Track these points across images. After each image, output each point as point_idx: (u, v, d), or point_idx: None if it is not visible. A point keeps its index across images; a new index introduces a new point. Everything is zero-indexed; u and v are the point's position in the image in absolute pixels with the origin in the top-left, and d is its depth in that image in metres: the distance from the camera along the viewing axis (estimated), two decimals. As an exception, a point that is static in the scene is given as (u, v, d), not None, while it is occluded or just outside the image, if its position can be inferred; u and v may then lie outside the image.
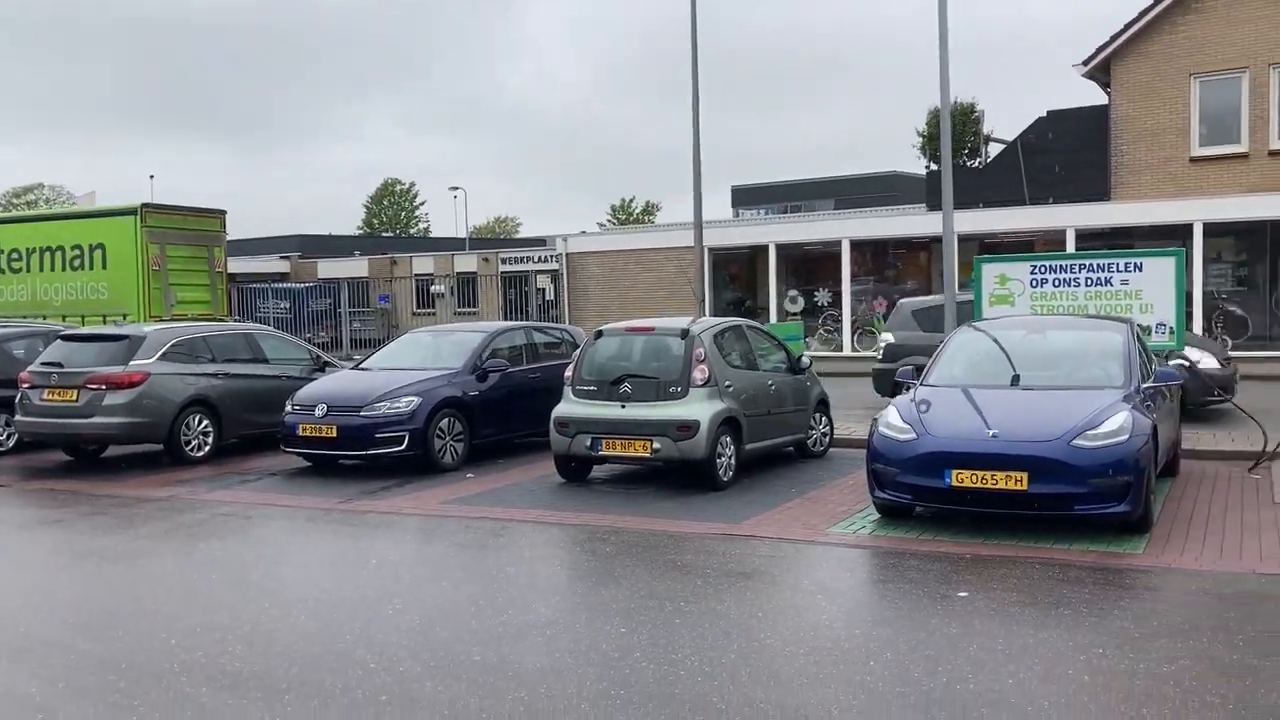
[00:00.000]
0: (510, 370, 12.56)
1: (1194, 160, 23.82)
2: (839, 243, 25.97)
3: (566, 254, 29.52)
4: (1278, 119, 23.10)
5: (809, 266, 28.06)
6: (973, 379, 9.18)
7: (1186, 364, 11.67)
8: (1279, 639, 5.50)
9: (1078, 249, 22.55)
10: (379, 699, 4.83)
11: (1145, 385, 8.75)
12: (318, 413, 11.47)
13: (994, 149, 28.85)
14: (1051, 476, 7.66)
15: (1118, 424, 7.83)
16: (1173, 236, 22.72)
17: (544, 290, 30.80)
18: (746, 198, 71.30)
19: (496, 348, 12.72)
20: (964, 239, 24.55)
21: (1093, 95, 27.25)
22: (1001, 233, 24.69)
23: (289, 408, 11.81)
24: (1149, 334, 12.11)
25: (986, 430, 8.01)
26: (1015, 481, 7.72)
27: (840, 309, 26.11)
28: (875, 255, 26.76)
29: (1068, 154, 26.05)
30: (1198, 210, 22.20)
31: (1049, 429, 7.87)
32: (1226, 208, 22.09)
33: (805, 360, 12.13)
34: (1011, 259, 13.31)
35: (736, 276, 29.52)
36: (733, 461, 10.35)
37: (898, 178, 55.73)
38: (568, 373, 10.85)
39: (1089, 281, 12.41)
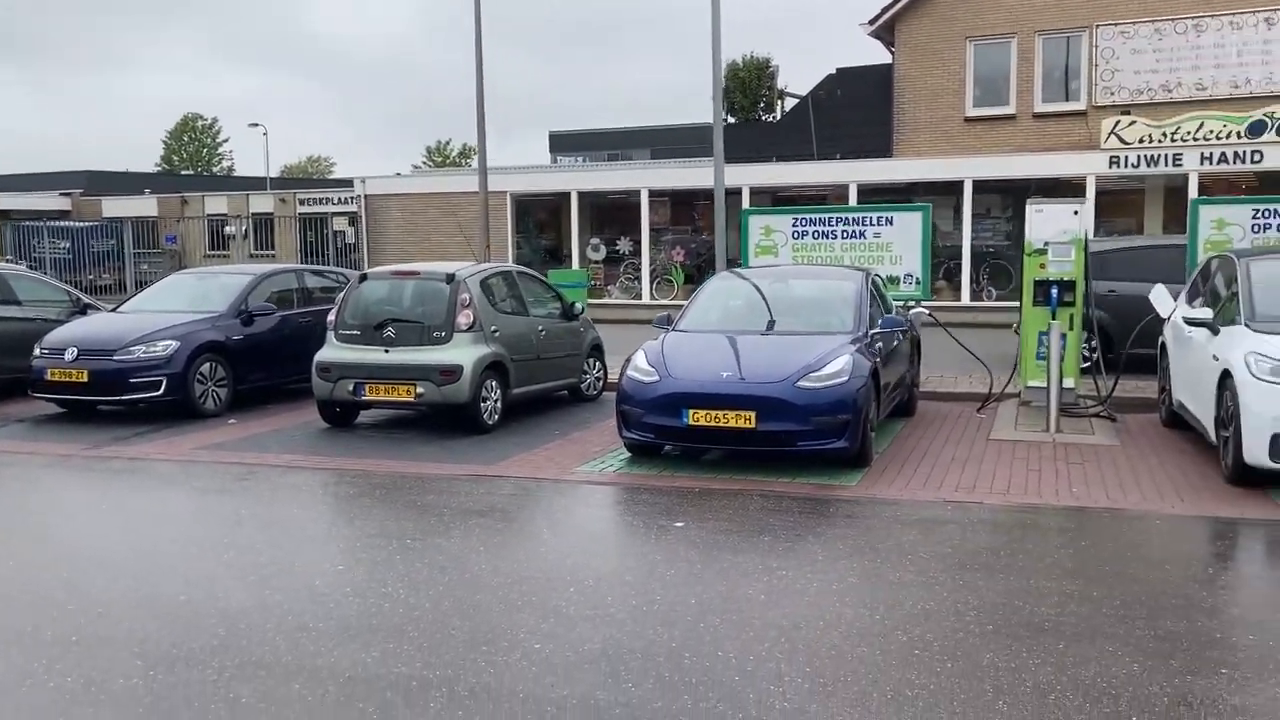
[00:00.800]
0: (279, 314, 12.36)
1: (968, 120, 25.26)
2: (638, 192, 26.36)
3: (365, 196, 28.91)
4: (1042, 84, 24.71)
5: (612, 215, 28.40)
6: (720, 324, 9.66)
7: (928, 313, 12.51)
8: (943, 558, 6.09)
9: (859, 203, 23.65)
10: (69, 639, 4.84)
11: (873, 331, 9.39)
12: (67, 356, 11.04)
13: (789, 104, 29.83)
14: (777, 415, 8.19)
15: (839, 367, 8.41)
16: (948, 193, 24.14)
17: (343, 233, 30.11)
18: (564, 144, 70.99)
19: (265, 291, 12.47)
20: (758, 191, 25.47)
21: (882, 54, 28.40)
22: (794, 186, 25.61)
23: (37, 351, 11.32)
24: (897, 284, 12.95)
25: (722, 373, 8.47)
26: (745, 420, 8.21)
27: (640, 258, 26.58)
28: (675, 205, 27.29)
29: (855, 111, 27.16)
30: (968, 168, 23.58)
31: (777, 372, 8.38)
32: (994, 166, 23.52)
33: (578, 307, 12.40)
34: (775, 211, 13.95)
35: (545, 224, 29.62)
36: (498, 405, 10.55)
37: (709, 130, 56.59)
38: (330, 316, 10.79)
39: (845, 234, 13.14)
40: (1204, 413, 8.63)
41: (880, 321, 9.60)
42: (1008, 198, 24.82)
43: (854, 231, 13.10)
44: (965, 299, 23.49)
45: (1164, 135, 22.07)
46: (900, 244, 12.93)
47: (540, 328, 11.47)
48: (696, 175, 26.53)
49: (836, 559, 6.09)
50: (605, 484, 8.24)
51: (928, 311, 12.46)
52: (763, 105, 30.70)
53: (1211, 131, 21.70)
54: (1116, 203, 24.24)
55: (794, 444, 8.27)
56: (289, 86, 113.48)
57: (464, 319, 10.28)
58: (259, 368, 12.03)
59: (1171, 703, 4.13)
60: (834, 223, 13.20)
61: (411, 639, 4.82)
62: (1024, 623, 5.01)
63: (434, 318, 10.36)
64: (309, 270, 14.23)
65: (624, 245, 27.23)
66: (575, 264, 26.71)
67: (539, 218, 29.47)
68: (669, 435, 8.59)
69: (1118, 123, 22.46)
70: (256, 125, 70.85)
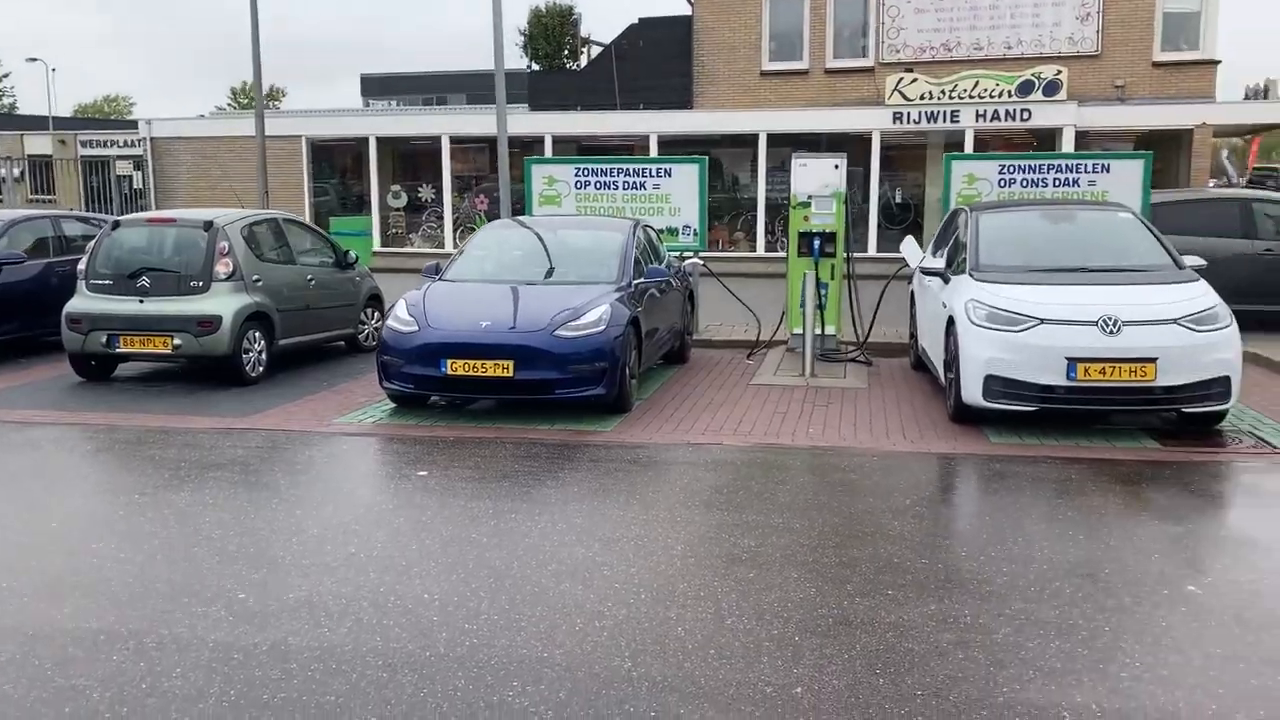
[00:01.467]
0: (31, 263, 11.69)
1: (764, 74, 25.85)
2: (439, 139, 25.92)
3: (151, 139, 27.43)
4: (833, 40, 25.50)
5: (415, 162, 27.85)
6: (488, 274, 9.71)
7: (703, 264, 12.88)
8: (669, 497, 6.37)
9: (660, 154, 23.94)
10: None
11: (638, 281, 9.61)
12: None
13: (595, 52, 29.80)
14: (535, 364, 8.32)
15: (596, 316, 8.59)
16: (745, 145, 24.73)
17: (130, 178, 28.47)
18: (378, 88, 68.83)
19: (17, 238, 11.76)
20: (561, 140, 25.43)
21: (683, 5, 28.64)
22: (596, 136, 25.68)
23: None
24: (676, 235, 13.26)
25: (481, 323, 8.53)
26: (503, 369, 8.31)
27: (442, 206, 26.21)
28: (478, 153, 26.97)
29: (657, 61, 27.36)
30: (763, 121, 24.17)
31: (536, 321, 8.50)
32: (787, 120, 24.19)
33: (352, 256, 12.20)
34: (558, 161, 14.00)
35: (347, 170, 28.76)
36: (263, 357, 10.32)
37: (522, 76, 55.97)
38: (80, 265, 10.28)
39: (626, 185, 13.33)
40: (937, 356, 9.24)
41: (646, 272, 9.83)
42: (803, 150, 25.58)
43: (635, 183, 13.30)
44: (760, 250, 24.21)
45: (943, 93, 23.17)
46: (679, 195, 13.21)
47: (310, 277, 11.23)
48: (514, 123, 26.27)
49: (568, 501, 6.28)
50: (358, 434, 8.21)
51: (702, 262, 12.81)
52: (567, 53, 30.54)
53: (986, 90, 22.92)
54: (903, 157, 25.33)
55: (552, 391, 8.42)
56: (81, 21, 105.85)
57: (223, 268, 9.98)
58: (9, 318, 11.37)
59: (835, 622, 4.48)
60: (615, 173, 13.36)
61: (110, 594, 4.75)
62: (724, 554, 5.32)
63: (191, 267, 10.01)
64: (72, 217, 13.45)
65: (426, 193, 26.78)
66: (375, 212, 26.15)
67: (341, 164, 28.61)
68: (429, 385, 8.62)
69: (900, 80, 23.43)
70: (35, 60, 65.66)
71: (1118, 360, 7.66)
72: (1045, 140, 23.05)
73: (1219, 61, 23.81)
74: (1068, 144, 22.28)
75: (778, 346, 12.36)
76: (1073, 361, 7.70)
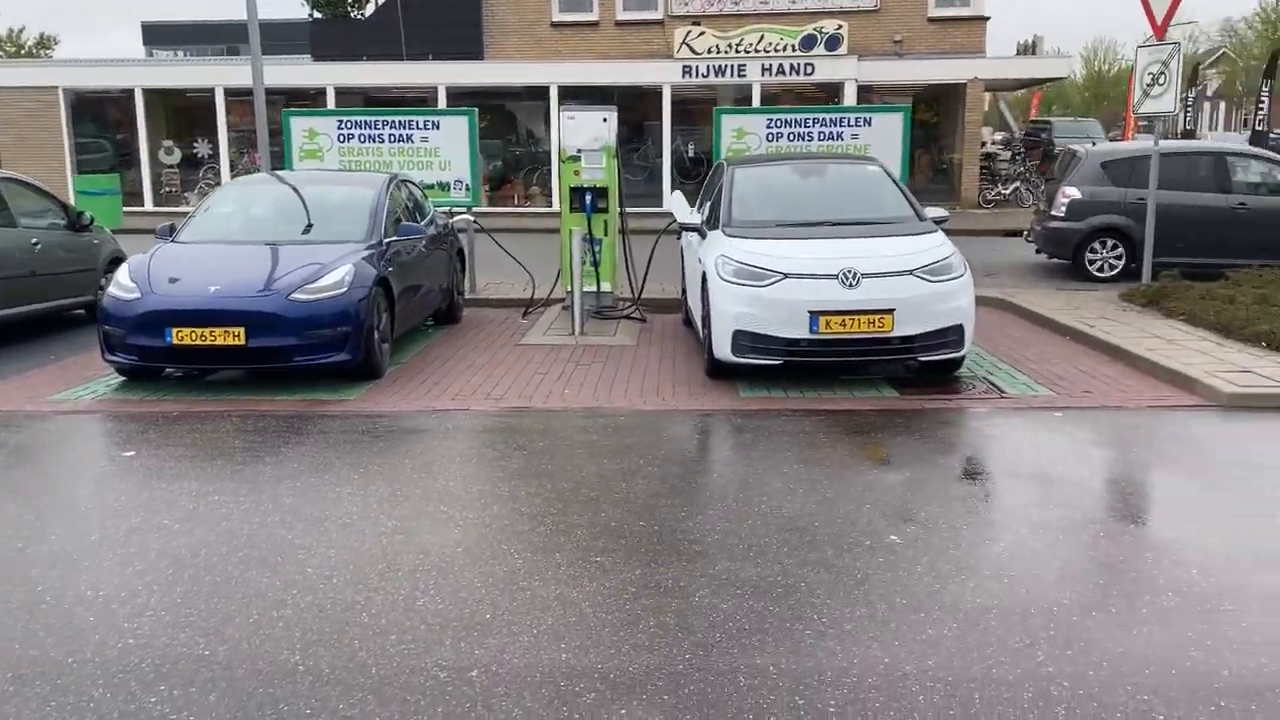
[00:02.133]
0: None
1: (554, 25, 25.43)
2: (213, 91, 24.43)
3: (-117, 90, 24.79)
4: (622, -9, 25.31)
5: (190, 115, 26.21)
6: (226, 234, 9.10)
7: (474, 220, 12.52)
8: (389, 468, 6.09)
9: (449, 105, 23.27)
10: None
11: (389, 240, 9.20)
12: None
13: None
14: (269, 330, 7.84)
15: (337, 278, 8.16)
16: (538, 97, 24.30)
17: None
18: (162, 37, 64.65)
19: None
20: (346, 92, 24.39)
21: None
22: (382, 87, 24.76)
23: None
24: (447, 191, 12.84)
25: (209, 287, 7.97)
26: (234, 337, 7.79)
27: (219, 162, 24.77)
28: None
29: (446, 10, 26.53)
30: (553, 74, 23.79)
31: (271, 284, 8.00)
32: (578, 73, 23.89)
33: (87, 217, 11.28)
34: (320, 113, 13.34)
35: (118, 124, 26.77)
36: (-21, 329, 9.43)
37: (320, 24, 53.58)
38: None
39: (393, 139, 12.81)
40: (697, 312, 9.23)
41: (400, 229, 9.41)
42: (612, 105, 25.32)
43: (401, 135, 12.80)
44: (556, 204, 23.90)
45: (730, 46, 23.34)
46: (448, 149, 12.79)
47: (35, 240, 10.31)
48: (276, 74, 24.96)
49: (282, 479, 5.91)
50: (72, 413, 7.56)
51: (474, 218, 12.45)
52: (352, 1, 29.29)
53: (770, 44, 23.21)
54: (696, 111, 25.43)
55: (291, 359, 7.97)
56: None
57: (-77, 233, 9.02)
58: None
59: (531, 597, 4.33)
60: (380, 126, 12.81)
61: None
62: (436, 529, 5.09)
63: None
64: None
65: (202, 148, 25.27)
66: (145, 168, 24.51)
67: (111, 118, 26.62)
68: (155, 357, 8.02)
69: (688, 33, 23.47)
70: None
71: (857, 312, 7.79)
72: (831, 95, 23.56)
73: (989, 18, 24.83)
74: (850, 98, 22.82)
75: (555, 305, 12.17)
76: (815, 314, 7.79)
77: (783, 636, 3.98)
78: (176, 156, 25.18)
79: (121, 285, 8.14)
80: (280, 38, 54.25)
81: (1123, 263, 13.24)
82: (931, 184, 25.81)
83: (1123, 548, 4.86)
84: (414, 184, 11.17)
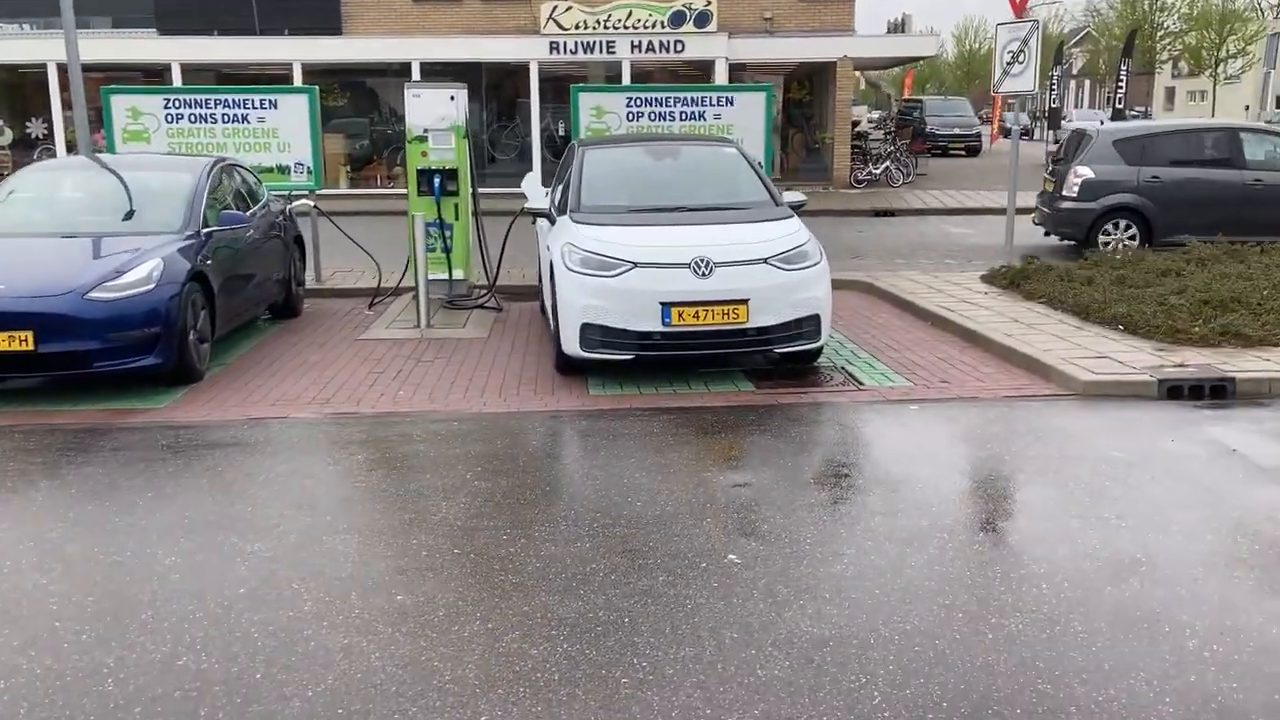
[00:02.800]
0: None
1: (416, 0, 24.46)
2: (45, 66, 22.81)
3: None
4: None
5: (23, 93, 24.52)
6: (19, 226, 8.22)
7: (313, 204, 11.75)
8: (180, 489, 5.46)
9: (305, 83, 22.18)
10: None
11: (209, 230, 8.43)
12: None
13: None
14: (62, 334, 7.04)
15: (143, 273, 7.40)
16: (400, 75, 23.32)
17: None
18: (6, 8, 60.89)
19: None
20: (197, 69, 23.06)
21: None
22: (235, 64, 23.50)
23: None
24: (287, 175, 12.03)
25: (-7, 286, 7.13)
26: (21, 342, 6.98)
27: (54, 143, 23.19)
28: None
29: (303, -17, 25.33)
30: (415, 49, 22.87)
31: (65, 281, 7.19)
32: (441, 48, 23.00)
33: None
34: (145, 91, 12.36)
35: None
36: None
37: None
38: None
39: (226, 119, 11.94)
40: (549, 303, 8.72)
41: (220, 218, 8.65)
42: (460, 82, 24.48)
43: (236, 115, 11.93)
44: (421, 185, 23.02)
45: (598, 22, 22.78)
46: (288, 129, 11.98)
47: None
48: (116, 48, 23.51)
49: (52, 508, 5.21)
50: None
51: (313, 203, 11.69)
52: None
53: (639, 20, 22.73)
54: (566, 89, 24.75)
55: (90, 365, 7.18)
56: None
57: None
58: None
59: (292, 621, 3.79)
60: (213, 105, 11.92)
61: None
62: (181, 567, 4.49)
63: None
64: None
65: (37, 128, 23.64)
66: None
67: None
68: (-69, 365, 7.15)
69: (555, 8, 22.82)
70: None
71: (710, 303, 7.38)
72: (703, 73, 23.20)
73: (856, -4, 24.80)
74: (721, 77, 22.51)
75: (406, 295, 11.51)
76: (667, 306, 7.35)
77: (595, 687, 3.52)
78: (8, 137, 23.53)
79: (-109, 285, 7.24)
80: (136, 10, 51.63)
81: (1136, 243, 13.05)
82: (804, 163, 25.74)
83: (969, 560, 4.55)
84: (244, 168, 10.37)
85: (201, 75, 23.05)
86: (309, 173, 12.05)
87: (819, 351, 8.01)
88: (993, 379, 7.71)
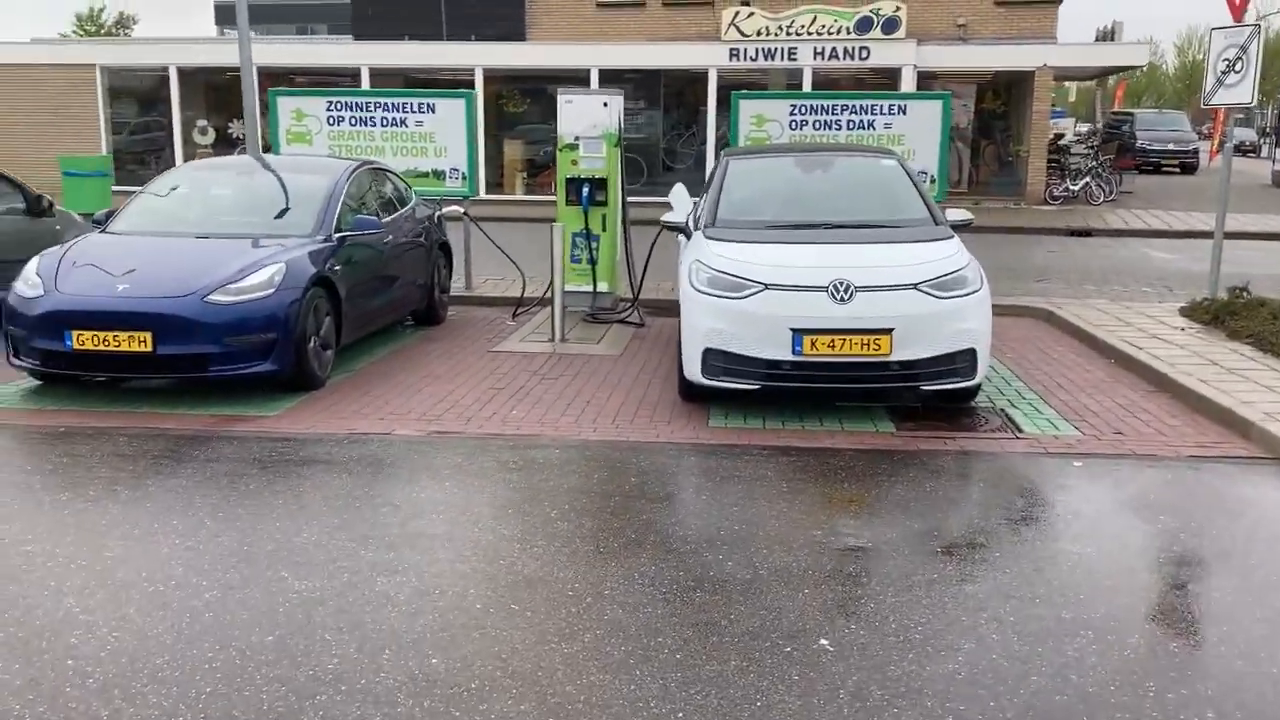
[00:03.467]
0: None
1: (600, 5, 24.39)
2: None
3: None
4: (669, -30, 24.16)
5: (229, 95, 25.68)
6: (160, 225, 8.26)
7: (463, 210, 11.54)
8: (256, 508, 5.17)
9: (486, 89, 22.41)
10: None
11: (341, 234, 8.28)
12: None
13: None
14: (180, 336, 6.96)
15: (264, 277, 7.26)
16: (581, 81, 23.26)
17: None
18: (233, 18, 64.99)
19: None
20: (381, 74, 23.65)
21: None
22: (420, 69, 23.96)
23: None
24: (443, 180, 11.90)
25: (117, 285, 7.11)
26: (140, 343, 6.93)
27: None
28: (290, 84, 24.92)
29: (490, -11, 25.72)
30: (594, 56, 22.72)
31: (187, 283, 7.11)
32: (620, 55, 22.79)
33: (45, 200, 10.56)
34: (308, 93, 12.47)
35: (154, 102, 26.40)
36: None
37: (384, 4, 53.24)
38: None
39: (385, 122, 11.91)
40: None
41: (353, 223, 8.48)
42: (640, 89, 24.29)
43: (394, 119, 11.88)
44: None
45: (780, 28, 22.08)
46: (444, 134, 11.83)
47: (-9, 227, 9.62)
48: (317, 52, 24.39)
49: (121, 523, 5.00)
50: (-41, 424, 6.78)
51: (463, 210, 11.51)
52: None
53: (823, 26, 21.91)
54: (745, 97, 24.23)
55: (206, 369, 7.09)
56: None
57: None
58: None
59: (311, 682, 3.35)
60: (373, 108, 11.90)
61: None
62: (243, 595, 4.13)
63: None
64: None
65: (238, 129, 24.71)
66: (178, 148, 24.06)
67: (156, 96, 26.23)
68: (56, 363, 7.18)
69: (737, 14, 22.25)
70: None
71: (848, 331, 6.66)
72: (889, 82, 22.15)
73: (1060, 1, 23.19)
74: (908, 85, 21.42)
75: (550, 305, 11.19)
76: (799, 333, 6.68)
77: (620, 805, 2.94)
78: (211, 137, 24.70)
79: (27, 280, 7.35)
80: (343, 18, 54.12)
81: None
82: (996, 177, 24.28)
83: (1117, 670, 3.72)
84: (391, 172, 10.25)
85: (390, 79, 23.59)
86: (464, 179, 11.87)
87: (974, 391, 7.15)
88: (1178, 433, 6.67)
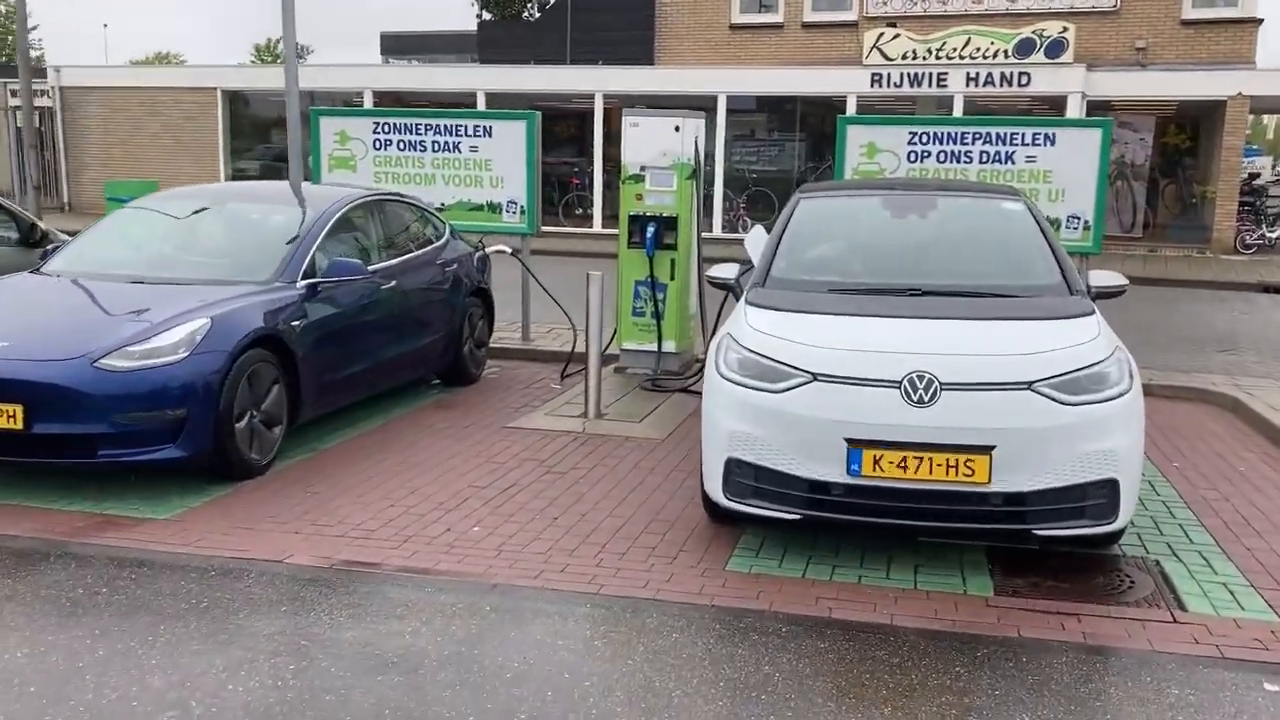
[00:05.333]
0: None
1: (734, 27, 22.64)
2: (362, 94, 23.04)
3: (61, 88, 24.89)
4: (812, -10, 22.21)
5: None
6: (102, 264, 6.86)
7: (509, 250, 9.86)
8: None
9: (604, 117, 20.96)
10: None
11: (311, 281, 6.71)
12: None
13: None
14: (61, 411, 5.46)
15: (179, 336, 5.72)
16: (707, 108, 21.54)
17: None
18: (397, 46, 66.47)
19: None
20: (498, 98, 22.48)
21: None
22: (538, 94, 22.71)
23: None
24: (499, 214, 10.30)
25: (-1, 343, 5.69)
26: (8, 418, 5.46)
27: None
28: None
29: (618, 11, 24.23)
30: (723, 81, 20.99)
31: (77, 343, 5.63)
32: (750, 80, 20.99)
33: (39, 231, 9.42)
34: (353, 113, 11.12)
35: (273, 127, 25.96)
36: None
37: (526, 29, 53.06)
38: None
39: (436, 146, 10.38)
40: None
41: (329, 268, 6.87)
42: (773, 116, 22.40)
43: (448, 144, 10.34)
44: (717, 230, 21.11)
45: (929, 52, 19.84)
46: (502, 162, 10.21)
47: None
48: (437, 76, 23.46)
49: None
50: None
51: (509, 249, 9.84)
52: (533, 4, 27.52)
53: (978, 49, 19.56)
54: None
55: (95, 453, 5.56)
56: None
57: None
58: None
59: None
60: (424, 131, 10.40)
61: None
62: None
63: None
64: None
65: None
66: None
67: (271, 121, 25.82)
68: (-79, 435, 5.80)
69: (880, 35, 20.13)
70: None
71: (928, 447, 4.63)
72: (1054, 112, 19.59)
73: (1261, 20, 20.13)
74: (1075, 115, 18.83)
75: (610, 363, 9.43)
76: (856, 445, 4.69)
77: None
78: (328, 162, 23.98)
79: (-91, 332, 6.01)
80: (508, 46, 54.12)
81: None
82: (1177, 220, 21.30)
83: None
84: (417, 205, 8.70)
85: (506, 103, 22.39)
86: (523, 213, 10.24)
87: (1115, 536, 4.98)
88: None
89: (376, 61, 64.89)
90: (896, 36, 20.00)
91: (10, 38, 78.11)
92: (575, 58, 23.53)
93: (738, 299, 6.09)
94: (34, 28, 79.45)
